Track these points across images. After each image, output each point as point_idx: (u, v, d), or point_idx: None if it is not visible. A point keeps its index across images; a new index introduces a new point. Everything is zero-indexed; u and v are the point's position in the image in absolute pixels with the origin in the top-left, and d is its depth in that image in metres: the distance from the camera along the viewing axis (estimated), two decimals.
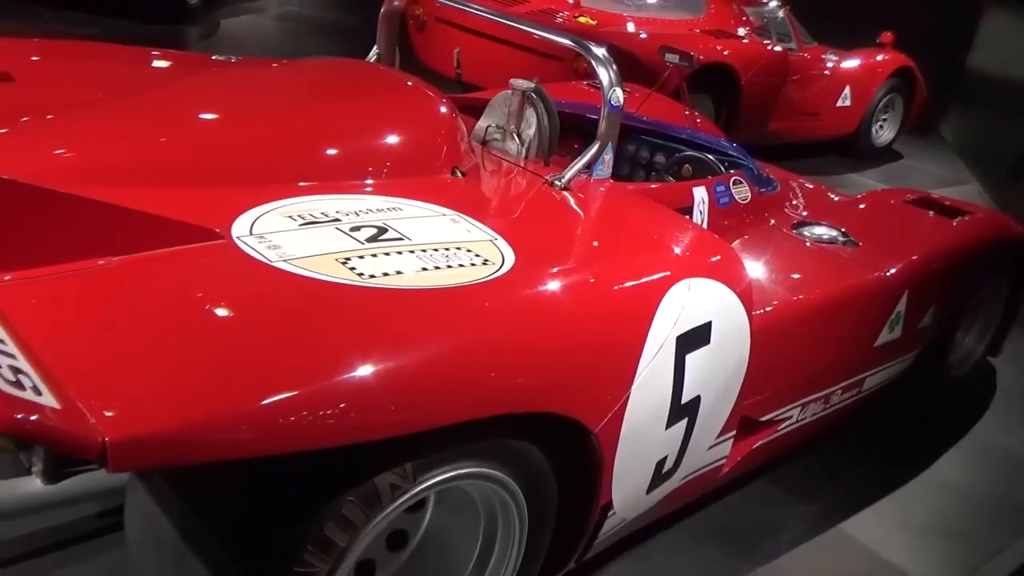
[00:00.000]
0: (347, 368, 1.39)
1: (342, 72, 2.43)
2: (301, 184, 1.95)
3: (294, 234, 1.73)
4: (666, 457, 2.08)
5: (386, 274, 1.62)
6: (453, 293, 1.62)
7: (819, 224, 2.98)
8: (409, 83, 2.40)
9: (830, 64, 6.72)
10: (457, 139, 2.32)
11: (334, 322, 1.48)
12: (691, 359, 2.01)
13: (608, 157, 2.40)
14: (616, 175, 3.65)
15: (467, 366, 1.52)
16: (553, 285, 1.78)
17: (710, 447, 2.28)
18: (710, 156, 3.19)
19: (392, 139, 2.17)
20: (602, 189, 2.37)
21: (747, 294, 2.16)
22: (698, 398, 2.10)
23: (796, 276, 2.64)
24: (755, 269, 2.66)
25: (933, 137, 8.57)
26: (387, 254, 1.71)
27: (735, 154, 3.24)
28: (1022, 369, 3.88)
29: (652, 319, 1.87)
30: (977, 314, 3.43)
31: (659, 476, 2.09)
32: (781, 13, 6.62)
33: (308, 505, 1.43)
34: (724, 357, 2.14)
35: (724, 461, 2.38)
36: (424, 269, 1.67)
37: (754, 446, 2.51)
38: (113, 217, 1.62)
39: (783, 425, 2.58)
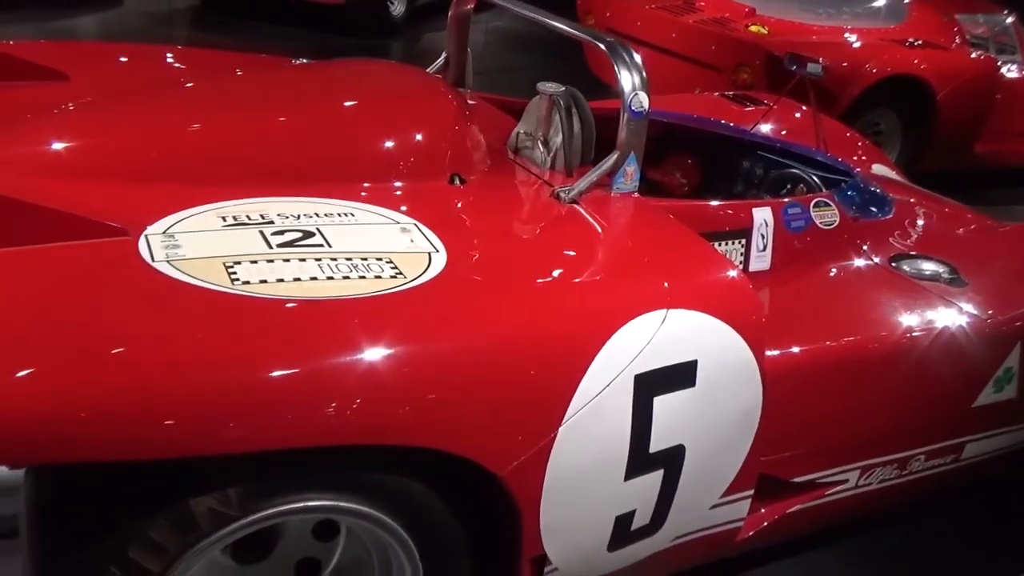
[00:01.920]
0: (164, 377, 1.30)
1: (354, 73, 2.36)
2: (278, 186, 1.90)
3: (209, 235, 1.67)
4: (633, 512, 1.81)
5: (264, 281, 1.52)
6: (329, 306, 1.49)
7: (926, 258, 2.52)
8: (421, 86, 2.29)
9: None
10: (466, 145, 2.18)
11: (172, 327, 1.40)
12: (663, 403, 1.74)
13: (631, 169, 2.15)
14: (729, 193, 3.38)
15: (313, 387, 1.38)
16: (465, 307, 1.60)
17: (714, 506, 1.97)
18: (814, 174, 2.81)
19: (387, 143, 2.07)
20: (621, 205, 2.13)
21: (756, 332, 1.85)
22: (680, 448, 1.81)
23: (866, 315, 2.24)
24: (816, 304, 2.30)
25: None
26: (287, 260, 1.60)
27: (852, 175, 2.83)
28: None
29: (596, 353, 1.63)
30: None
31: (627, 533, 1.83)
32: (1007, 21, 5.83)
33: (112, 522, 1.35)
34: (719, 403, 1.84)
35: (740, 523, 2.06)
36: (314, 278, 1.55)
37: (789, 510, 2.15)
38: (25, 211, 1.64)
39: (833, 490, 2.19)
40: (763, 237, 2.39)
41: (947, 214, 2.97)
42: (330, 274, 1.58)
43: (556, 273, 1.79)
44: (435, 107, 2.20)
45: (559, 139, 2.27)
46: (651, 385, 1.72)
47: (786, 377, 1.97)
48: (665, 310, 1.74)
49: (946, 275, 2.43)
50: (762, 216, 2.38)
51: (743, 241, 2.37)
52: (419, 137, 2.10)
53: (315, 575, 1.72)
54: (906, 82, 5.01)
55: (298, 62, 2.85)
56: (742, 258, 2.37)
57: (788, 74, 3.50)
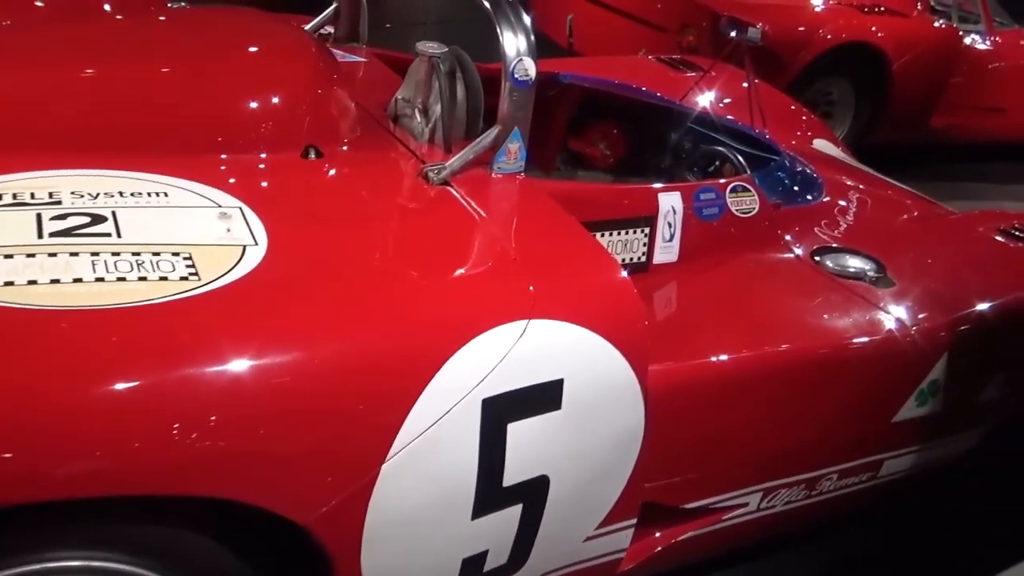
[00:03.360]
0: None
1: (199, 22, 2.04)
2: (90, 156, 1.60)
3: None
4: (485, 552, 1.56)
5: (10, 284, 1.23)
6: (80, 319, 1.21)
7: (852, 252, 2.27)
8: (276, 39, 1.98)
9: None
10: (329, 111, 1.89)
11: None
12: (520, 429, 1.49)
13: (514, 146, 1.87)
14: (657, 168, 3.12)
15: (42, 429, 1.10)
16: (267, 319, 1.32)
17: (588, 538, 1.73)
18: (740, 152, 2.54)
19: (226, 108, 1.77)
20: (500, 188, 1.86)
21: (637, 344, 1.59)
22: (543, 479, 1.56)
23: (777, 319, 1.99)
24: (723, 304, 2.04)
25: None
26: (52, 255, 1.31)
27: (779, 154, 2.57)
28: None
29: (431, 376, 1.36)
30: None
31: None
32: None
33: None
34: (591, 427, 1.59)
35: (621, 554, 1.82)
36: (79, 280, 1.26)
37: (680, 538, 1.91)
38: None
39: (732, 514, 1.96)
40: (670, 226, 2.12)
41: (886, 200, 2.72)
42: (102, 274, 1.29)
43: (399, 274, 1.51)
44: (290, 65, 1.89)
45: (439, 108, 1.98)
46: (504, 410, 1.46)
47: (677, 392, 1.72)
48: (526, 321, 1.47)
49: (872, 273, 2.18)
50: (669, 202, 2.11)
51: (647, 230, 2.10)
52: (268, 101, 1.80)
53: None
54: (861, 50, 4.74)
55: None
56: (645, 249, 2.11)
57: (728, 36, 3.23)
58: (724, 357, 1.80)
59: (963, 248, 2.42)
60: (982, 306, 2.11)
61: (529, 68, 1.82)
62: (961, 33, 5.24)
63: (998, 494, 2.53)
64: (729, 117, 3.03)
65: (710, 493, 1.90)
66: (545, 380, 1.50)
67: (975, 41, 5.33)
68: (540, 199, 1.85)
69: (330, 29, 2.58)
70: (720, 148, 2.61)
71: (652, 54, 3.98)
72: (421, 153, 1.92)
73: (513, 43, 1.81)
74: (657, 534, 1.89)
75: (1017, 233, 2.48)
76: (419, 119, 2.00)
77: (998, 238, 2.45)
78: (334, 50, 2.41)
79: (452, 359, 1.39)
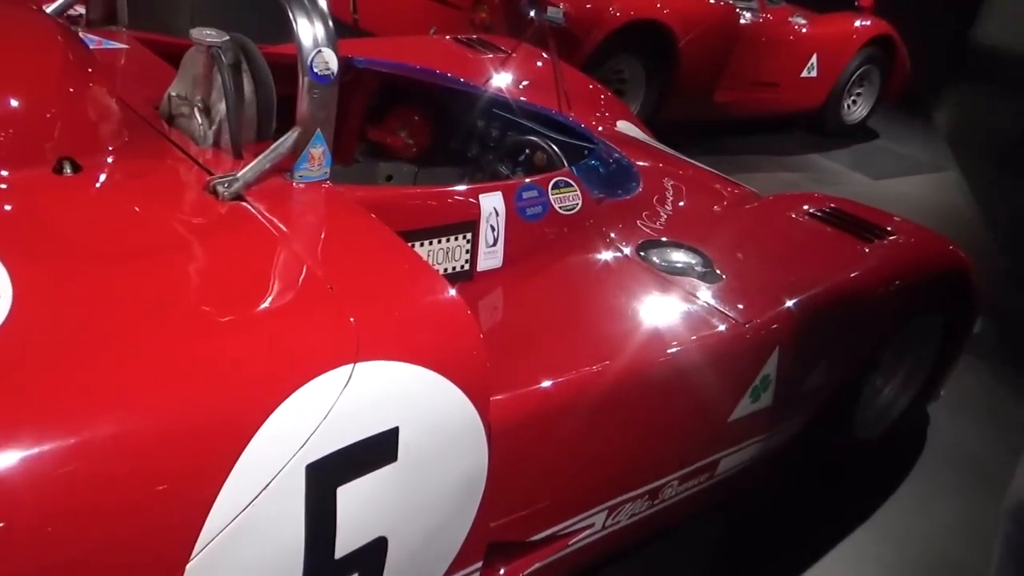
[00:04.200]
0: None
1: None
2: None
3: None
4: None
5: None
6: None
7: (676, 246, 2.19)
8: (13, 27, 1.62)
9: (796, 28, 5.88)
10: (85, 114, 1.56)
11: None
12: (351, 492, 1.26)
13: (318, 151, 1.62)
14: (463, 157, 2.94)
15: None
16: (13, 391, 1.02)
17: None
18: (551, 141, 2.40)
19: None
20: (304, 200, 1.61)
21: (477, 378, 1.41)
22: (380, 541, 1.35)
23: (610, 327, 1.87)
24: (553, 313, 1.90)
25: (918, 116, 7.72)
26: None
27: (594, 143, 2.46)
28: (966, 417, 3.14)
29: (240, 451, 1.12)
30: (900, 361, 2.68)
31: None
32: None
33: None
34: (431, 475, 1.39)
35: None
36: None
37: (528, 570, 1.76)
38: None
39: (578, 538, 1.83)
40: (493, 229, 1.95)
41: (697, 184, 2.67)
42: None
43: (188, 319, 1.23)
44: (31, 59, 1.55)
45: (223, 107, 1.69)
46: (333, 474, 1.23)
47: (518, 424, 1.55)
48: (351, 366, 1.25)
49: (699, 268, 2.11)
50: (491, 203, 1.93)
51: (469, 235, 1.92)
52: (4, 106, 1.46)
53: None
54: (649, 28, 4.77)
55: None
56: (468, 256, 1.92)
57: (528, 17, 3.09)
58: (561, 379, 1.64)
59: (778, 234, 2.41)
60: (806, 294, 2.09)
61: (330, 60, 1.57)
62: (737, 10, 5.39)
63: (824, 473, 2.58)
64: (536, 104, 2.90)
65: (556, 521, 1.76)
66: (378, 432, 1.28)
67: (746, 17, 5.51)
68: (351, 210, 1.61)
69: (80, 10, 2.19)
70: (532, 137, 2.46)
71: (444, 32, 3.79)
72: (205, 160, 1.63)
73: (309, 31, 1.56)
74: (502, 571, 1.72)
75: (823, 215, 2.50)
76: (200, 119, 1.70)
77: (807, 221, 2.46)
78: (85, 36, 2.05)
79: (264, 426, 1.14)
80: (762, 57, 5.65)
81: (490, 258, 1.95)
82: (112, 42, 2.14)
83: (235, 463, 1.11)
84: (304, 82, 1.56)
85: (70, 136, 1.50)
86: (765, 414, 2.09)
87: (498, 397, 1.51)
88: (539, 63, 3.34)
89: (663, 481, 1.94)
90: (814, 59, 5.95)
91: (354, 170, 2.87)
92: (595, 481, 1.79)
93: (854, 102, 6.51)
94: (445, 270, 1.88)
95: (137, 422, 1.08)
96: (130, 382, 1.11)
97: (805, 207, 2.53)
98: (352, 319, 1.31)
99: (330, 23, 1.58)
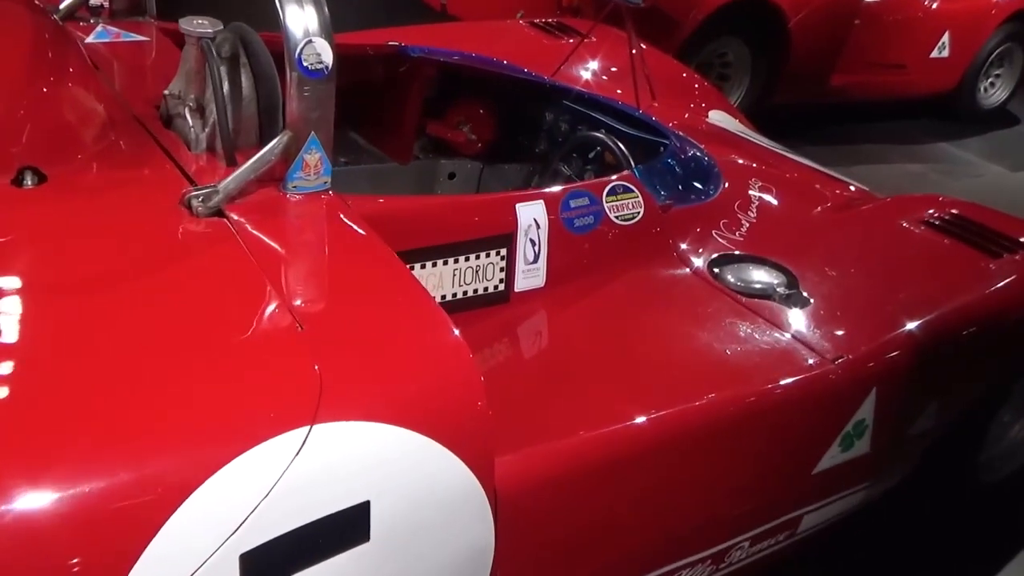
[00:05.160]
0: None
1: None
2: None
3: None
4: None
5: None
6: None
7: (757, 261, 1.87)
8: None
9: (926, 2, 5.33)
10: (59, 115, 1.40)
11: None
12: None
13: (313, 157, 1.39)
14: (531, 153, 2.68)
15: None
16: None
17: None
18: (619, 139, 2.11)
19: None
20: (298, 216, 1.38)
21: (476, 437, 1.15)
22: None
23: (667, 367, 1.57)
24: (600, 346, 1.62)
25: None
26: None
27: (668, 138, 2.15)
28: None
29: (151, 534, 0.90)
30: None
31: None
32: None
33: None
34: (418, 556, 1.15)
35: None
36: None
37: None
38: None
39: None
40: (534, 243, 1.68)
41: (793, 185, 2.32)
42: None
43: (106, 365, 1.02)
44: None
45: (214, 107, 1.48)
46: (280, 562, 1.00)
47: (543, 486, 1.29)
48: (307, 428, 1.01)
49: (782, 289, 1.79)
50: (531, 214, 1.67)
51: (504, 251, 1.66)
52: None
53: None
54: (755, 6, 4.37)
55: None
56: (503, 275, 1.67)
57: None
58: (605, 428, 1.37)
59: (885, 247, 2.04)
60: (913, 325, 1.74)
61: (323, 52, 1.34)
62: None
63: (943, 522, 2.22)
64: (618, 92, 2.61)
65: None
66: (342, 508, 1.04)
67: None
68: (349, 228, 1.37)
69: (103, 1, 2.04)
70: (599, 134, 2.17)
71: (532, 16, 3.52)
72: (193, 168, 1.43)
73: (299, 19, 1.33)
74: None
75: (941, 223, 2.12)
76: (191, 121, 1.50)
77: (922, 231, 2.08)
78: (105, 28, 1.89)
79: (185, 505, 0.92)
80: (886, 35, 5.14)
81: (530, 277, 1.68)
82: (133, 34, 1.98)
83: (141, 553, 0.90)
84: (292, 78, 1.33)
85: (36, 143, 1.33)
86: (859, 464, 1.75)
87: (518, 455, 1.26)
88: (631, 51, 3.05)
89: (729, 544, 1.64)
90: (946, 37, 5.39)
91: (413, 168, 2.65)
92: (640, 549, 1.50)
93: (992, 84, 5.88)
94: (475, 291, 1.63)
95: (25, 501, 0.87)
96: (32, 456, 0.90)
97: (923, 213, 2.14)
98: (317, 367, 1.07)
99: (324, 9, 1.35)
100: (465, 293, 1.62)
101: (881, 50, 5.17)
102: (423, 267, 1.55)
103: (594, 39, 2.95)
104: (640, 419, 1.40)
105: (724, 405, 1.49)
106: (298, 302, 1.18)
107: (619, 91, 2.73)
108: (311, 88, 1.34)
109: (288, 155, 1.37)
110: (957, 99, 5.71)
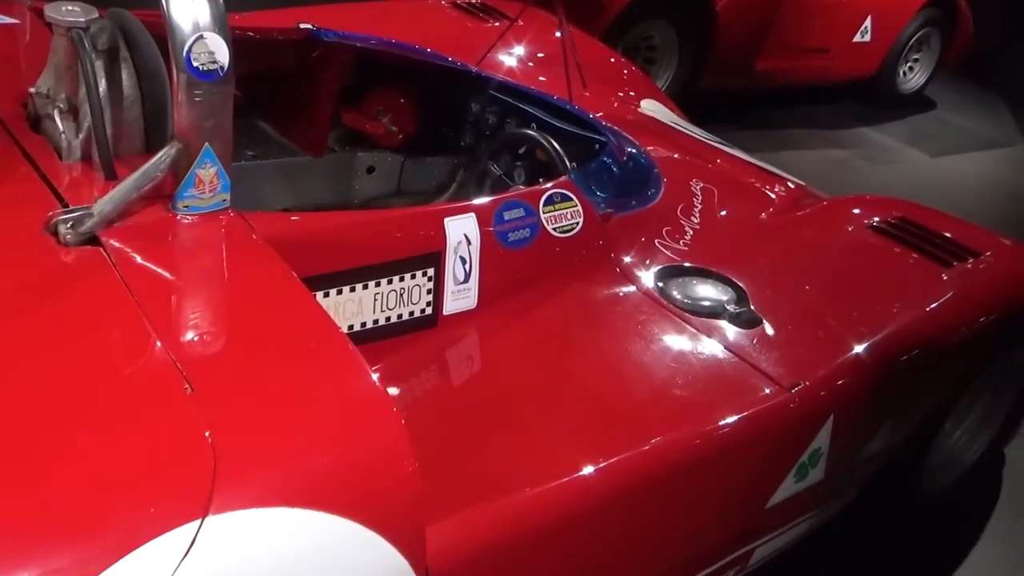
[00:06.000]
0: None
1: None
2: None
3: None
4: None
5: None
6: None
7: (703, 275, 1.73)
8: None
9: None
10: None
11: None
12: None
13: (207, 172, 1.19)
14: (456, 147, 2.50)
15: None
16: None
17: None
18: (553, 142, 1.94)
19: None
20: (189, 242, 1.18)
21: (404, 516, 0.98)
22: None
23: (613, 401, 1.42)
24: (541, 378, 1.46)
25: (981, 85, 7.06)
26: None
27: (605, 136, 2.00)
28: None
29: None
30: (975, 401, 2.20)
31: None
32: None
33: None
34: None
35: None
36: None
37: None
38: None
39: None
40: (464, 262, 1.51)
41: (734, 184, 2.19)
42: None
43: None
44: None
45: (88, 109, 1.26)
46: None
47: (482, 556, 1.13)
48: (196, 522, 0.83)
49: (731, 306, 1.65)
50: (461, 229, 1.49)
51: (432, 271, 1.48)
52: None
53: None
54: None
55: None
56: (431, 298, 1.49)
57: None
58: (550, 484, 1.21)
59: (834, 255, 1.93)
60: (869, 344, 1.63)
61: (217, 50, 1.13)
62: None
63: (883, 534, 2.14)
64: (541, 80, 2.45)
65: None
66: None
67: None
68: (252, 256, 1.18)
69: None
70: (531, 132, 2.00)
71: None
72: (66, 183, 1.21)
73: (187, 10, 1.12)
74: None
75: (888, 228, 2.02)
76: (61, 125, 1.28)
77: (870, 237, 1.97)
78: None
79: None
80: (810, 20, 5.08)
81: (460, 298, 1.51)
82: (2, 16, 1.72)
83: None
84: (180, 80, 1.13)
85: None
86: (812, 492, 1.64)
87: (456, 518, 1.09)
88: (557, 33, 2.88)
89: None
90: (868, 22, 5.38)
91: (327, 161, 2.44)
92: None
93: (911, 69, 5.91)
94: (399, 316, 1.45)
95: None
96: None
97: (867, 219, 2.03)
98: (210, 439, 0.88)
99: (220, 1, 1.14)
100: (388, 319, 1.44)
101: (806, 34, 5.12)
102: (340, 293, 1.36)
103: (521, 23, 2.78)
104: (587, 469, 1.25)
105: (677, 447, 1.34)
106: (187, 354, 0.98)
107: (542, 79, 2.56)
108: (204, 92, 1.14)
109: (178, 170, 1.17)
110: (878, 83, 5.72)
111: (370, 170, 2.49)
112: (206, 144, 1.17)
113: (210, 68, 1.13)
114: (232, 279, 1.16)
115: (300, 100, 2.38)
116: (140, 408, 0.93)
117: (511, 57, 2.74)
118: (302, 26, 2.32)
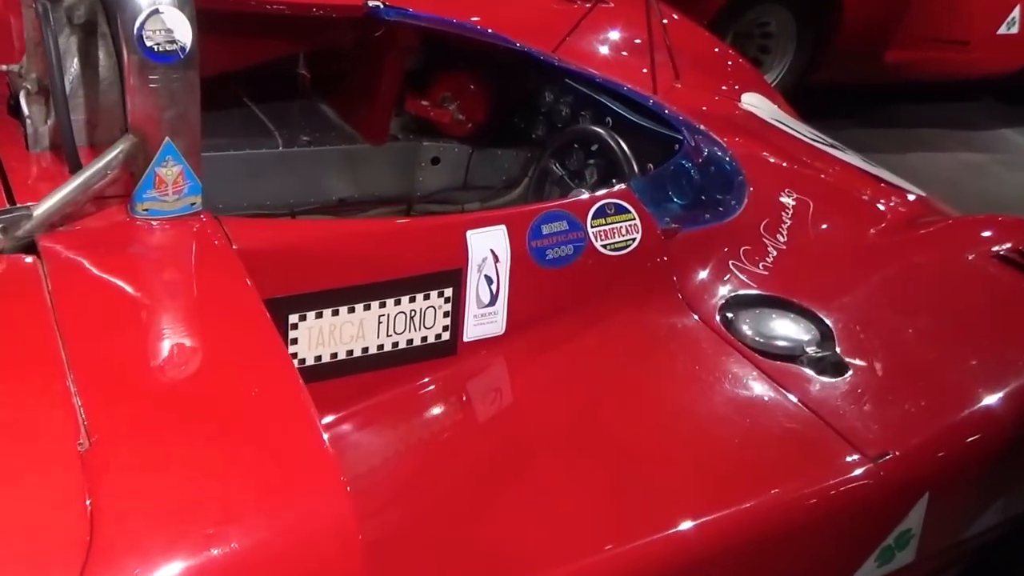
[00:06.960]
0: None
1: None
2: None
3: None
4: None
5: None
6: None
7: (782, 307, 1.46)
8: None
9: None
10: None
11: None
12: None
13: (170, 171, 1.01)
14: (527, 139, 2.29)
15: None
16: None
17: None
18: (620, 141, 1.71)
19: None
20: (144, 251, 1.01)
21: None
22: None
23: (658, 467, 1.18)
24: (567, 435, 1.23)
25: None
26: None
27: (681, 134, 1.74)
28: None
29: None
30: None
31: None
32: None
33: None
34: None
35: None
36: None
37: None
38: None
39: None
40: (490, 282, 1.29)
41: (837, 195, 1.89)
42: None
43: None
44: None
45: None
46: None
47: None
48: None
49: (813, 349, 1.38)
50: (486, 245, 1.27)
51: (450, 291, 1.27)
52: None
53: None
54: None
55: None
56: (448, 321, 1.28)
57: None
58: (560, 567, 0.99)
59: (948, 291, 1.61)
60: (984, 402, 1.33)
61: (175, 27, 0.95)
62: None
63: None
64: (643, 72, 2.19)
65: None
66: None
67: None
68: (212, 271, 0.99)
69: None
70: (598, 129, 1.77)
71: None
72: (33, 174, 1.07)
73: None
74: None
75: (1020, 258, 1.69)
76: (30, 110, 1.13)
77: (996, 269, 1.65)
78: None
79: None
80: (950, 7, 4.67)
81: (484, 323, 1.30)
82: None
83: None
84: (131, 63, 0.95)
85: None
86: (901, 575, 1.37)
87: None
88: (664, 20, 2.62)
89: None
90: (1016, 12, 4.91)
91: (389, 150, 2.27)
92: None
93: None
94: (409, 342, 1.25)
95: None
96: None
97: (998, 244, 1.70)
98: (89, 503, 0.70)
99: None
100: (396, 345, 1.24)
101: (943, 24, 4.70)
102: (336, 314, 1.17)
103: (611, 4, 2.54)
104: (608, 548, 1.02)
105: (725, 527, 1.10)
106: (98, 397, 0.81)
107: (644, 70, 2.32)
108: (161, 77, 0.96)
109: (134, 167, 1.00)
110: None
111: (435, 161, 2.32)
112: (167, 139, 0.99)
113: (167, 49, 0.95)
114: (180, 301, 0.98)
115: (361, 84, 2.22)
116: (22, 462, 0.76)
117: (598, 43, 2.50)
118: (370, 3, 2.15)
